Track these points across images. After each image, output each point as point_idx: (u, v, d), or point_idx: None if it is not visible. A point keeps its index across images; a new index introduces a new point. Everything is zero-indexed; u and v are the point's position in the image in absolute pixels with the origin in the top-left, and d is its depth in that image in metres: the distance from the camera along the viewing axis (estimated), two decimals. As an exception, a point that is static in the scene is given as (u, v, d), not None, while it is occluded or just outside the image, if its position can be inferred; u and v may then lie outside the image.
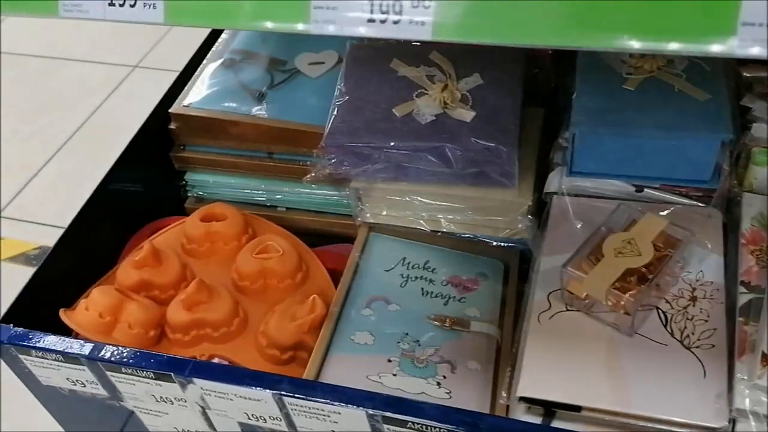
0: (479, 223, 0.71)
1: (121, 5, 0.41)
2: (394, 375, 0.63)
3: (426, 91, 0.67)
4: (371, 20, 0.36)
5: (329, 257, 0.77)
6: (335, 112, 0.69)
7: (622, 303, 0.55)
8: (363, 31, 0.36)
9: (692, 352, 0.54)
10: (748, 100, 0.66)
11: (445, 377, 0.63)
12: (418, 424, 0.50)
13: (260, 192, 0.83)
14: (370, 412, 0.50)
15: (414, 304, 0.70)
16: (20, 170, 1.44)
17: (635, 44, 0.32)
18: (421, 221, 0.73)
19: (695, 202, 0.64)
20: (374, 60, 0.71)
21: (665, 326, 0.57)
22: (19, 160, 1.46)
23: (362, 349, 0.65)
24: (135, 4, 0.41)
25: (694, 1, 0.31)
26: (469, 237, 0.73)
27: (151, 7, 0.40)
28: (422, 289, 0.71)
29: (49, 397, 0.65)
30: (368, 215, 0.74)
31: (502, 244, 0.73)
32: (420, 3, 0.35)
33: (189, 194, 0.86)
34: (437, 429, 0.49)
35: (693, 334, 0.56)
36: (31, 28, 1.79)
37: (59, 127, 1.54)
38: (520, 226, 0.69)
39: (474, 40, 0.35)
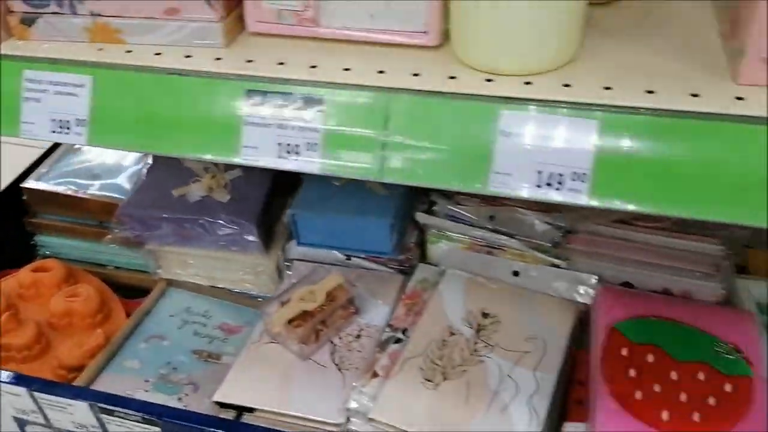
0: (242, 280, 0.93)
1: None
2: (146, 391, 0.82)
3: (199, 179, 0.91)
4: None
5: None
6: (133, 191, 0.92)
7: (295, 334, 0.76)
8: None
9: (341, 372, 0.75)
10: (435, 196, 0.90)
11: (187, 395, 0.82)
12: (122, 412, 0.69)
13: (93, 252, 1.04)
14: (90, 402, 0.70)
15: (184, 341, 0.90)
16: None
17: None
18: (200, 278, 0.94)
19: (385, 268, 0.87)
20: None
21: (332, 355, 0.77)
22: None
23: (128, 371, 0.85)
24: None
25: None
26: (239, 291, 0.94)
27: None
28: (195, 330, 0.92)
29: None
30: (161, 272, 0.96)
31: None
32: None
33: (39, 252, 1.07)
34: (133, 416, 0.69)
35: (348, 360, 0.76)
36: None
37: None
38: (270, 284, 0.91)
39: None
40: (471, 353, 0.72)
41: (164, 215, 0.88)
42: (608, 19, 0.59)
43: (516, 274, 0.83)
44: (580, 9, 0.51)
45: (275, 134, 0.54)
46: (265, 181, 0.91)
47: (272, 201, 0.91)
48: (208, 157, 0.57)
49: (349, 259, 0.88)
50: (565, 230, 0.84)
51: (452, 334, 0.75)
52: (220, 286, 0.95)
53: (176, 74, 0.57)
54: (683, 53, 0.53)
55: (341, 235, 0.86)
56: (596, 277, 0.78)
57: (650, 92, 0.48)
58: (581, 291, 0.79)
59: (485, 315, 0.77)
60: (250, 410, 0.74)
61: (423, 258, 0.89)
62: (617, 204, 0.48)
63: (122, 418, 0.70)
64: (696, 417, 0.61)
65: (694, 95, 0.47)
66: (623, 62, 0.52)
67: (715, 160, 0.46)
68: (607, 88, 0.49)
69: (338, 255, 0.89)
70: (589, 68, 0.52)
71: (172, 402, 0.82)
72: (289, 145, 0.54)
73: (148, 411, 0.69)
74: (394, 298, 0.84)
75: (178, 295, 0.97)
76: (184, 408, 0.79)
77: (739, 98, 0.46)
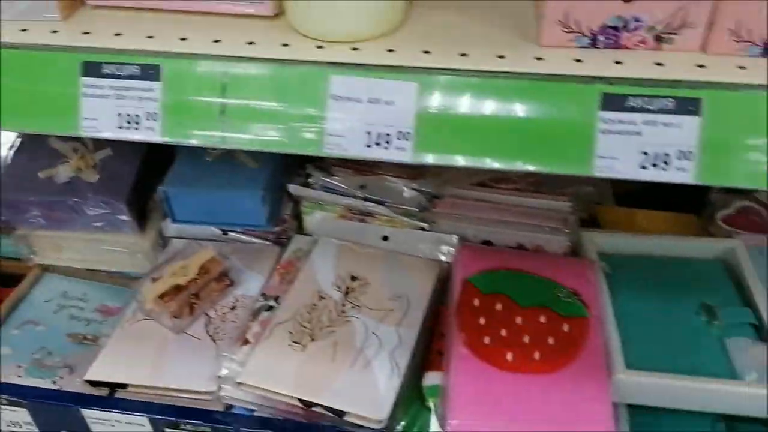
0: (118, 261, 0.92)
1: None
2: (19, 376, 0.81)
3: (68, 160, 0.89)
4: None
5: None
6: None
7: (167, 309, 0.77)
8: None
9: (215, 343, 0.76)
10: (310, 168, 0.93)
11: (62, 377, 0.81)
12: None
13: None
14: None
15: (59, 326, 0.88)
16: None
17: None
18: (76, 261, 0.93)
19: (260, 240, 0.88)
20: (37, 136, 0.93)
21: (206, 327, 0.79)
22: None
23: (-1, 359, 0.83)
24: None
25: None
26: (117, 272, 0.94)
27: None
28: (72, 314, 0.90)
29: None
30: (36, 258, 0.93)
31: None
32: None
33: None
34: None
35: (222, 331, 0.78)
36: None
37: None
38: (148, 263, 0.91)
39: None
40: (339, 315, 0.75)
41: (31, 198, 0.86)
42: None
43: (386, 239, 0.86)
44: (402, -21, 0.54)
45: (114, 105, 0.55)
46: (136, 160, 0.90)
47: (145, 179, 0.91)
48: (49, 131, 0.57)
49: (226, 234, 0.89)
50: (431, 195, 0.88)
51: (322, 298, 0.77)
52: (97, 268, 0.94)
53: (11, 48, 0.56)
54: (499, 20, 0.57)
55: (215, 210, 0.87)
56: (456, 237, 0.83)
57: (464, 55, 0.52)
58: (444, 250, 0.83)
59: (354, 278, 0.80)
60: (123, 386, 0.74)
61: (300, 230, 0.92)
62: (440, 159, 0.52)
63: (-15, 402, 0.69)
64: (537, 356, 0.67)
65: (501, 57, 0.51)
66: (443, 29, 0.56)
67: (521, 115, 0.50)
68: (426, 52, 0.53)
69: (215, 230, 0.89)
70: (412, 35, 0.55)
71: (46, 385, 0.81)
72: (129, 115, 0.55)
73: (13, 393, 0.68)
74: (269, 269, 0.85)
75: (54, 280, 0.95)
76: (58, 387, 0.79)
77: (539, 58, 0.51)
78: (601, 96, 0.49)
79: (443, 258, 0.83)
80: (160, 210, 0.91)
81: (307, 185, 0.90)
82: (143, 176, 0.91)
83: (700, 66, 0.50)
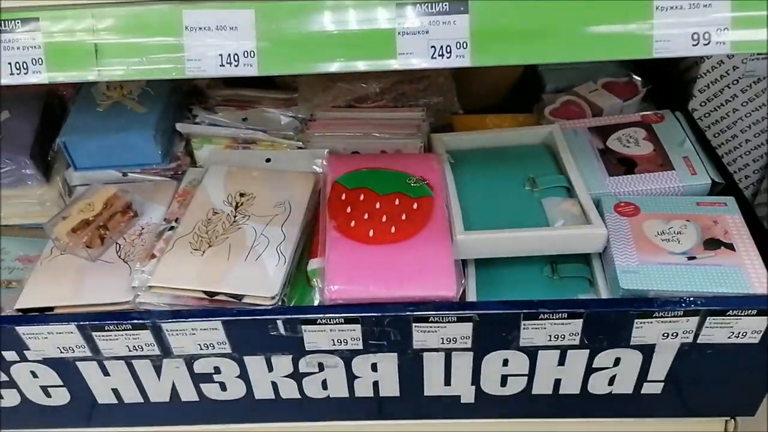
0: (30, 213, 1.01)
1: None
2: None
3: (-35, 125, 0.97)
4: None
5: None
6: None
7: (80, 240, 0.87)
8: None
9: (127, 264, 0.88)
10: (196, 109, 1.04)
11: (-7, 317, 0.92)
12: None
13: None
14: None
15: (-17, 276, 0.98)
16: None
17: None
18: (-12, 218, 1.01)
19: (160, 178, 1.00)
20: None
21: (117, 252, 0.90)
22: None
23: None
24: None
25: None
26: (30, 224, 1.03)
27: None
28: (-8, 265, 1.00)
29: None
30: (-51, 220, 1.01)
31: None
32: None
33: None
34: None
35: (132, 254, 0.90)
36: None
37: None
38: (57, 211, 1.01)
39: None
40: (231, 225, 0.89)
41: (-66, 162, 0.94)
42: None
43: (268, 161, 0.99)
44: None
45: (3, 56, 0.65)
46: (34, 118, 0.99)
47: (44, 134, 1.00)
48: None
49: (126, 176, 1.00)
50: (304, 119, 1.02)
51: (215, 213, 0.90)
52: (10, 223, 1.03)
53: None
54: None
55: (112, 154, 0.97)
56: (327, 150, 0.97)
57: (288, -16, 0.65)
58: (318, 164, 0.97)
59: (242, 195, 0.93)
60: (50, 309, 0.85)
61: (194, 164, 1.03)
62: (280, 69, 0.65)
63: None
64: (393, 229, 0.83)
65: (316, -18, 0.65)
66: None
67: (332, 29, 0.64)
68: (258, -16, 0.66)
69: (116, 173, 1.00)
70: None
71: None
72: (17, 63, 0.65)
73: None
74: (169, 199, 0.97)
75: (-29, 240, 1.04)
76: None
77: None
78: (395, 5, 0.63)
79: (318, 170, 0.97)
80: (63, 161, 1.01)
81: (195, 124, 1.02)
82: (42, 132, 1.00)
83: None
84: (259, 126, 1.01)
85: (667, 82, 1.13)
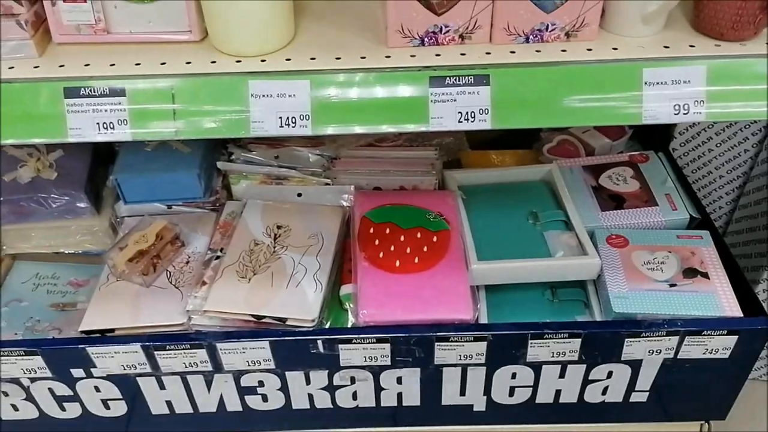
0: (81, 242, 1.12)
1: None
2: (17, 341, 1.01)
3: (25, 163, 1.07)
4: None
5: None
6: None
7: (136, 269, 0.98)
8: None
9: (178, 290, 0.99)
10: (232, 148, 1.15)
11: (54, 338, 1.02)
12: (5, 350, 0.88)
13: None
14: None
15: (40, 300, 1.08)
16: None
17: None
18: (43, 247, 1.12)
19: (199, 210, 1.11)
20: (-6, 147, 1.09)
21: (169, 279, 1.01)
22: None
23: (-2, 330, 1.02)
24: None
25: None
26: (80, 252, 1.13)
27: None
28: (48, 290, 1.10)
29: None
30: (6, 248, 1.11)
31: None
32: None
33: None
34: (16, 351, 0.88)
35: (182, 280, 1.01)
36: None
37: None
38: (107, 240, 1.11)
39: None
40: (271, 254, 1.00)
41: (1, 199, 1.04)
42: (312, 7, 0.87)
43: (299, 195, 1.11)
44: (289, 5, 0.78)
45: (92, 117, 0.76)
46: (86, 156, 1.10)
47: (96, 170, 1.10)
48: (41, 140, 0.77)
49: (170, 208, 1.11)
50: (330, 157, 1.13)
51: (257, 244, 1.02)
52: (62, 251, 1.13)
53: (7, 83, 0.75)
54: (360, 31, 0.82)
55: (159, 189, 1.08)
56: (353, 187, 1.09)
57: (338, 58, 0.77)
58: (345, 198, 1.09)
59: (279, 227, 1.04)
60: (111, 331, 0.95)
61: (230, 196, 1.15)
62: (331, 130, 0.77)
63: (7, 355, 0.89)
64: (416, 260, 0.95)
65: (363, 57, 0.77)
66: (323, 39, 0.80)
67: (380, 96, 0.76)
68: (313, 59, 0.77)
69: (161, 206, 1.11)
70: (301, 45, 0.79)
71: (43, 344, 1.01)
72: (105, 123, 0.76)
73: (27, 345, 0.89)
74: (211, 230, 1.08)
75: (26, 266, 1.14)
76: (54, 345, 0.99)
77: (388, 56, 0.77)
78: (429, 78, 0.76)
79: (345, 204, 1.09)
80: (112, 194, 1.11)
81: (231, 161, 1.13)
82: (94, 168, 1.10)
83: (488, 53, 0.77)
84: (290, 163, 1.12)
85: (651, 125, 1.27)
